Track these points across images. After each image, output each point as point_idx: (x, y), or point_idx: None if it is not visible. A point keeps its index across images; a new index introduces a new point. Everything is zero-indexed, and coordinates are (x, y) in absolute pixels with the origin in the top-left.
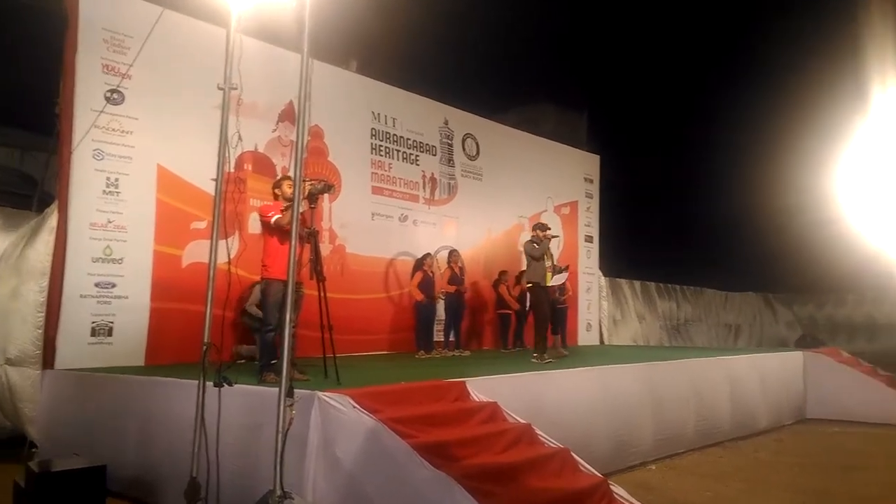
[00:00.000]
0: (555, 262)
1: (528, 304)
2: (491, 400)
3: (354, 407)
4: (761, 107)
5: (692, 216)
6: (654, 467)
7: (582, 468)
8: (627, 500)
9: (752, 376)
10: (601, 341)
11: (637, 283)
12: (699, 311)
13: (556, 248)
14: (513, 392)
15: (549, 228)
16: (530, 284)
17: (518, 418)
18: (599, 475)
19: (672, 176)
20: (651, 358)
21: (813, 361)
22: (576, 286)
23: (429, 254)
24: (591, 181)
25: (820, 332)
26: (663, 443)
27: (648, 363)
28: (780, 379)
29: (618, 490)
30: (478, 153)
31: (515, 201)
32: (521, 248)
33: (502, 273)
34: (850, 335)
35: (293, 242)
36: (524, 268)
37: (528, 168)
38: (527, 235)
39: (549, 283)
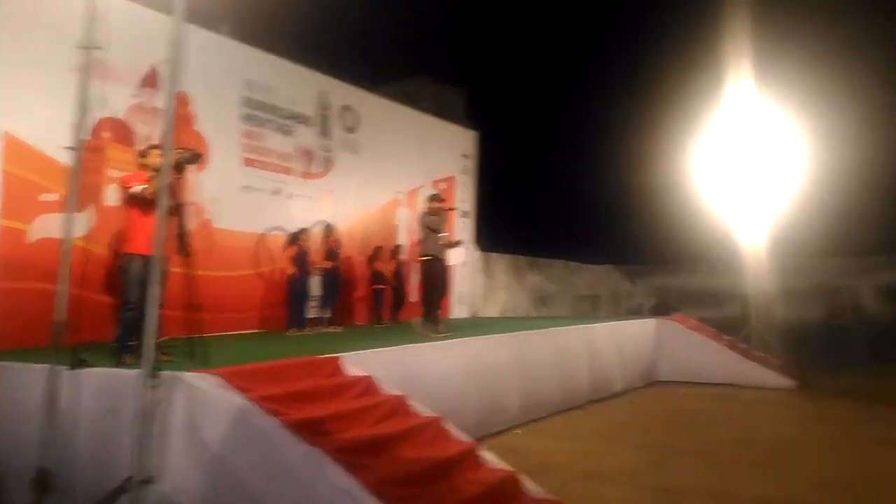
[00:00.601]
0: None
1: (402, 279)
2: (365, 374)
3: (222, 387)
4: (628, 91)
5: (561, 193)
6: (520, 431)
7: (453, 435)
8: (495, 463)
9: (610, 343)
10: (473, 313)
11: (507, 258)
12: (563, 283)
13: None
14: (387, 366)
15: (445, 200)
16: (427, 257)
17: (392, 391)
18: (470, 441)
19: (545, 153)
20: (518, 328)
21: (664, 328)
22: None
23: (304, 229)
24: (468, 157)
25: (672, 301)
26: (529, 408)
27: (516, 333)
28: (634, 345)
29: (486, 454)
30: (356, 126)
31: (393, 176)
32: (420, 221)
33: (377, 248)
34: (699, 303)
35: (160, 214)
36: (420, 239)
37: (407, 143)
38: (405, 211)
39: (450, 262)
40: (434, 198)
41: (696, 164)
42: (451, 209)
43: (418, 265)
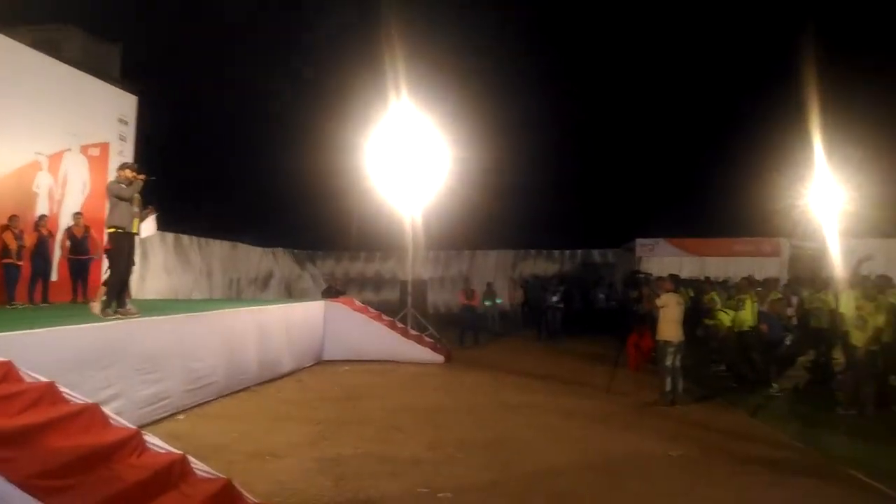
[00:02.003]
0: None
1: (45, 254)
2: (4, 360)
3: None
4: (305, 81)
5: (231, 173)
6: (182, 417)
7: (112, 422)
8: (161, 447)
9: (279, 325)
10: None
11: (170, 236)
12: (232, 265)
13: (81, 193)
14: (33, 350)
15: (137, 168)
16: (113, 229)
17: (39, 377)
18: (132, 427)
19: (214, 129)
20: (181, 310)
21: (331, 310)
22: (102, 236)
23: None
24: (127, 123)
25: (340, 285)
26: (193, 392)
27: (178, 315)
28: (302, 326)
29: (151, 439)
30: None
31: (32, 135)
32: (109, 190)
33: (12, 218)
34: (363, 287)
35: None
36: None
37: (49, 98)
38: (46, 175)
39: (142, 235)
40: (125, 166)
41: (362, 159)
42: (145, 178)
43: (107, 238)
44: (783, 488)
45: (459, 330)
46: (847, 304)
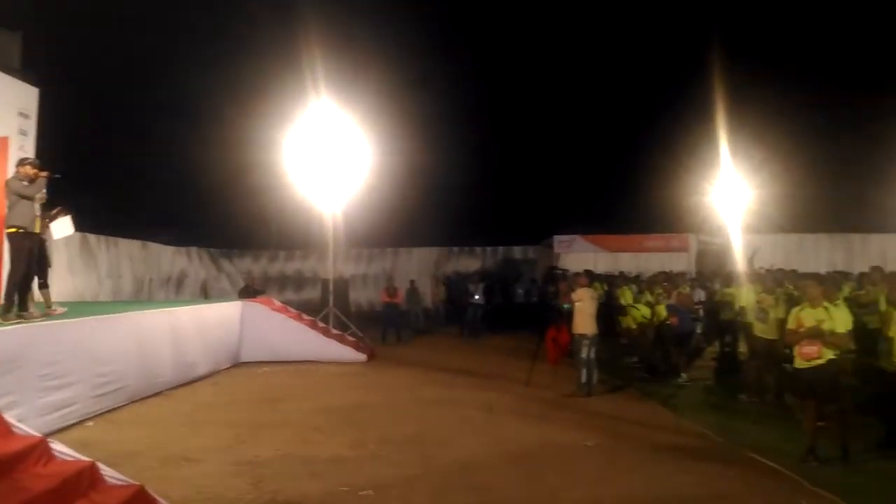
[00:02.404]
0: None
1: None
2: None
3: None
4: (221, 80)
5: (141, 170)
6: (92, 423)
7: (15, 430)
8: (69, 455)
9: (194, 326)
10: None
11: (76, 235)
12: (144, 265)
13: None
14: None
15: (40, 165)
16: (13, 229)
17: None
18: (37, 435)
19: (122, 124)
20: (87, 313)
21: (249, 310)
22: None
23: None
24: (28, 117)
25: (259, 284)
26: (102, 398)
27: (84, 318)
28: (219, 327)
29: (58, 447)
30: None
31: None
32: (8, 187)
33: None
34: (283, 286)
35: None
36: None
37: None
38: None
39: (56, 237)
40: (26, 161)
41: (280, 156)
42: (49, 175)
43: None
44: (689, 473)
45: (382, 328)
46: (748, 298)
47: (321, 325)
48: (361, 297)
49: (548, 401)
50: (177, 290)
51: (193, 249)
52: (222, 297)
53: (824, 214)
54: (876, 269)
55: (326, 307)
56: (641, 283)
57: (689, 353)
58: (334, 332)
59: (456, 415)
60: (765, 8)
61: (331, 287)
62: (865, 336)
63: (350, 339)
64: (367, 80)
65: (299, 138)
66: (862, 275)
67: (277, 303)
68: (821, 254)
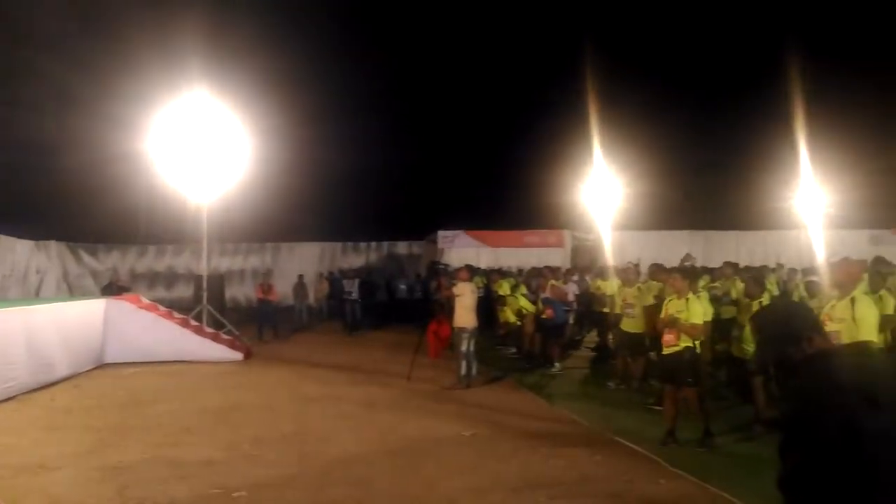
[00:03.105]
0: None
1: None
2: None
3: None
4: (90, 59)
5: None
6: None
7: None
8: None
9: (51, 326)
10: None
11: None
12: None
13: None
14: None
15: None
16: None
17: None
18: None
19: None
20: None
21: (113, 308)
22: None
23: None
24: None
25: (125, 281)
26: None
27: None
28: (79, 327)
29: None
30: None
31: None
32: None
33: None
34: (153, 283)
35: None
36: None
37: None
38: None
39: None
40: None
41: (150, 150)
42: None
43: None
44: (559, 458)
45: (258, 325)
46: (615, 291)
47: (193, 323)
48: (239, 293)
49: (428, 394)
50: (34, 287)
51: (53, 243)
52: (85, 294)
53: (685, 213)
54: (728, 264)
55: (200, 305)
56: (519, 277)
57: (563, 344)
58: (208, 330)
59: (335, 411)
60: (636, 15)
61: (204, 284)
62: (720, 326)
63: (225, 337)
64: (248, 69)
65: (171, 126)
66: (716, 269)
67: (146, 300)
68: (682, 249)
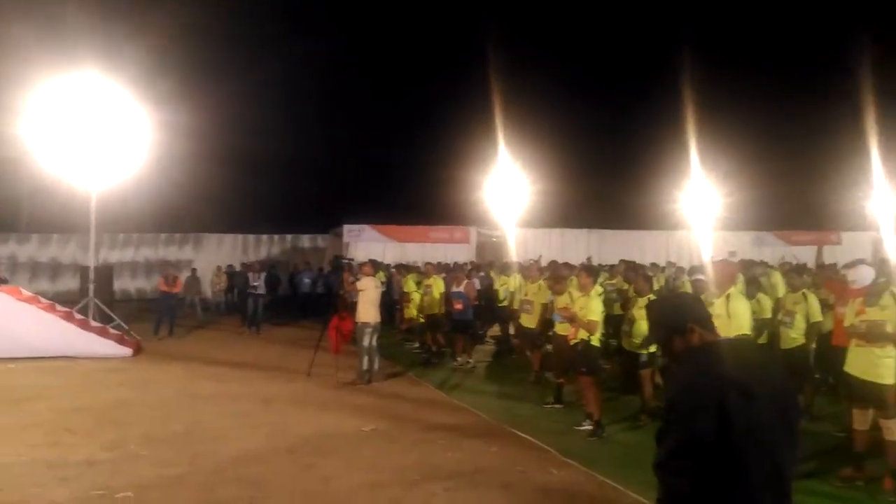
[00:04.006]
0: None
1: None
2: None
3: None
4: None
5: None
6: None
7: None
8: None
9: None
10: None
11: None
12: None
13: None
14: None
15: None
16: None
17: None
18: None
19: None
20: None
21: None
22: None
23: None
24: None
25: (4, 272)
26: None
27: None
28: None
29: None
30: None
31: None
32: None
33: None
34: (35, 274)
35: None
36: None
37: None
38: None
39: None
40: None
41: (33, 133)
42: None
43: None
44: (457, 450)
45: (155, 319)
46: (516, 287)
47: (78, 316)
48: (131, 286)
49: (328, 390)
50: None
51: None
52: None
53: (584, 212)
54: (623, 262)
55: (86, 297)
56: (422, 274)
57: (470, 338)
58: (94, 324)
59: (230, 409)
60: (539, 16)
61: (91, 275)
62: (611, 321)
63: (113, 332)
64: (148, 53)
65: (57, 108)
66: (614, 266)
67: (26, 292)
68: (581, 247)
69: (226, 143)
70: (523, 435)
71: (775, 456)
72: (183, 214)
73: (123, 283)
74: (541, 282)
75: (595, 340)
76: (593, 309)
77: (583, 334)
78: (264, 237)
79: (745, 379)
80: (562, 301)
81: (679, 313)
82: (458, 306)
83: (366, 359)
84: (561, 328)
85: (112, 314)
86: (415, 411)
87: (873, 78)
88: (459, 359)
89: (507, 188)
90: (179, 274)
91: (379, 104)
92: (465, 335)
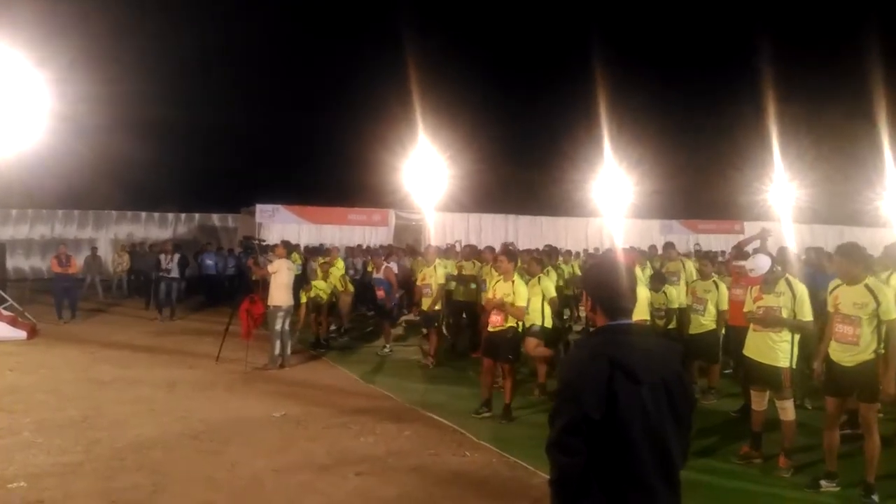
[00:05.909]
0: None
1: None
2: None
3: None
4: None
5: None
6: None
7: None
8: None
9: None
10: None
11: None
12: None
13: None
14: None
15: None
16: None
17: None
18: None
19: None
20: None
21: None
22: None
23: None
24: None
25: None
26: None
27: None
28: None
29: None
30: None
31: None
32: None
33: None
34: None
35: None
36: None
37: None
38: None
39: None
40: None
41: None
42: None
43: None
44: (370, 434)
45: (56, 303)
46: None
47: None
48: (25, 265)
49: (238, 375)
50: None
51: None
52: None
53: (502, 198)
54: (548, 246)
55: None
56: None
57: (390, 323)
58: None
59: (131, 394)
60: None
61: None
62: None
63: (5, 313)
64: (47, 17)
65: None
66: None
67: None
68: (499, 232)
69: (132, 114)
70: (438, 418)
71: (663, 442)
72: (84, 190)
73: (17, 262)
74: (436, 264)
75: (520, 327)
76: (521, 294)
77: (511, 321)
78: (170, 215)
79: (632, 364)
80: (500, 289)
81: (598, 288)
82: (380, 293)
83: (278, 343)
84: (425, 302)
85: (4, 294)
86: (328, 396)
87: (775, 77)
88: (388, 346)
89: (426, 172)
90: (74, 254)
91: (297, 81)
92: (385, 320)
